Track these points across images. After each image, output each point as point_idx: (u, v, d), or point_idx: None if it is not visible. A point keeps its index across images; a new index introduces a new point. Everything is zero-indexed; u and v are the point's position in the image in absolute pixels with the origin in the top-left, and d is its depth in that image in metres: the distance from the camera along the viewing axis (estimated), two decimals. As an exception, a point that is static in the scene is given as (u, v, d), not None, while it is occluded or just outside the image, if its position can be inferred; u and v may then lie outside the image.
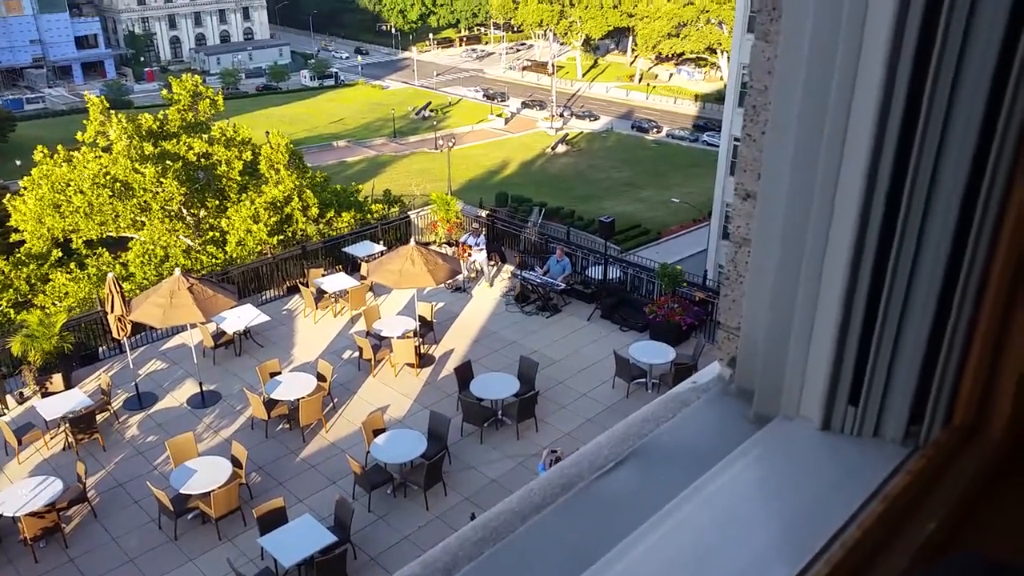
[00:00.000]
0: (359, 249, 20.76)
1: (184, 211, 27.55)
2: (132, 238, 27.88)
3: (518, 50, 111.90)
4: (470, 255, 19.93)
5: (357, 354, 16.51)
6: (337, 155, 69.84)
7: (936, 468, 1.18)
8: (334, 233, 24.33)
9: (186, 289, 14.17)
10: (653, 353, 15.50)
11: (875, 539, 1.06)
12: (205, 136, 28.58)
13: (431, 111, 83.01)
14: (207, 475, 12.27)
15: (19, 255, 27.24)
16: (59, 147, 26.94)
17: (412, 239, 17.16)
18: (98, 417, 14.38)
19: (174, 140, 27.65)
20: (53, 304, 24.71)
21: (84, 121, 27.93)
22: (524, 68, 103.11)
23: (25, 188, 26.85)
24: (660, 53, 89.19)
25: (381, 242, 21.29)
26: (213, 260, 25.63)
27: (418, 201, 28.19)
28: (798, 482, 1.19)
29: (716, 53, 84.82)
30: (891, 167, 1.08)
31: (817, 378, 1.23)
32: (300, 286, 19.10)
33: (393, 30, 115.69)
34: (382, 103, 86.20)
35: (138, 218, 27.02)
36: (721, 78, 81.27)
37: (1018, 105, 1.02)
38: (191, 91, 29.47)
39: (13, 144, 61.73)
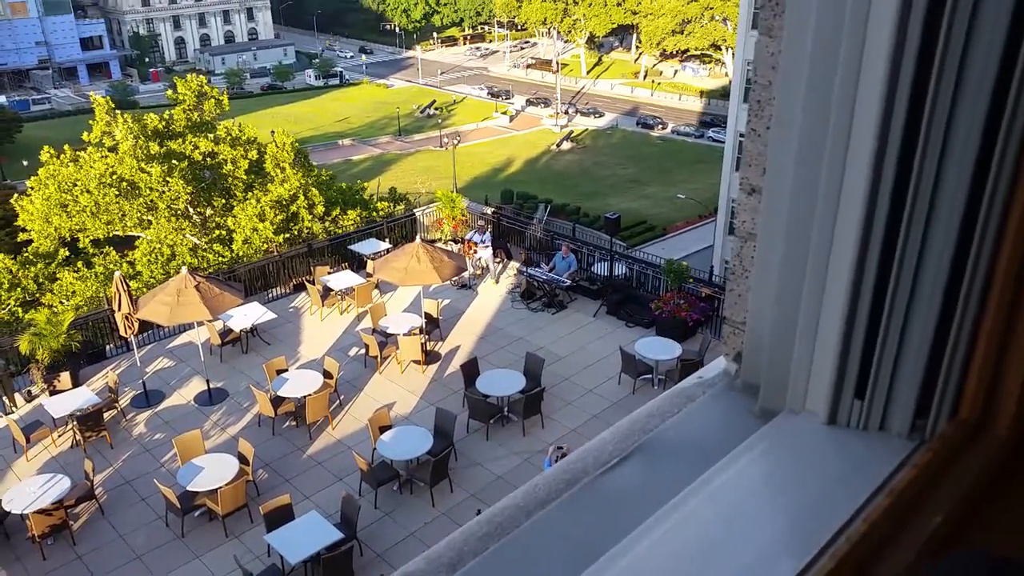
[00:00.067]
0: (365, 247, 20.78)
1: (190, 210, 27.62)
2: (139, 237, 27.97)
3: (522, 48, 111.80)
4: (476, 252, 19.93)
5: (363, 351, 16.53)
6: (342, 154, 69.90)
7: (942, 462, 1.17)
8: (340, 231, 24.37)
9: (193, 287, 14.21)
10: (659, 349, 15.48)
11: (881, 533, 1.06)
12: (211, 135, 28.65)
13: (436, 109, 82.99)
14: (214, 472, 12.30)
15: (27, 254, 27.36)
16: (66, 147, 27.03)
17: (418, 236, 17.19)
18: (105, 415, 14.43)
19: (180, 140, 27.72)
20: (61, 303, 24.83)
21: (90, 121, 28.03)
22: (528, 66, 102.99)
23: (32, 188, 26.97)
24: (664, 50, 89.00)
25: (387, 240, 21.31)
26: (219, 258, 25.71)
27: (423, 199, 28.22)
28: (804, 476, 1.19)
29: (721, 50, 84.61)
30: (896, 161, 1.08)
31: (823, 372, 1.23)
32: (306, 284, 19.13)
33: (397, 29, 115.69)
34: (387, 102, 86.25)
35: (145, 217, 27.10)
36: (726, 74, 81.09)
37: (1023, 99, 1.02)
38: (196, 91, 29.53)
39: (20, 145, 61.97)
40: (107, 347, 17.27)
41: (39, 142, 33.43)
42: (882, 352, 1.19)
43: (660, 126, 76.85)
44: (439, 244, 19.74)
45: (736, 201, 1.51)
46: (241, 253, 24.91)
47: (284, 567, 10.94)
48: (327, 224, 26.03)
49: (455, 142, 58.09)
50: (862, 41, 1.05)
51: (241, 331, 16.96)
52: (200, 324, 15.60)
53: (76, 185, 26.37)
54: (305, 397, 14.19)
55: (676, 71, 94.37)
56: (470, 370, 14.93)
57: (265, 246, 24.21)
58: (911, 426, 1.21)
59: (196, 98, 29.52)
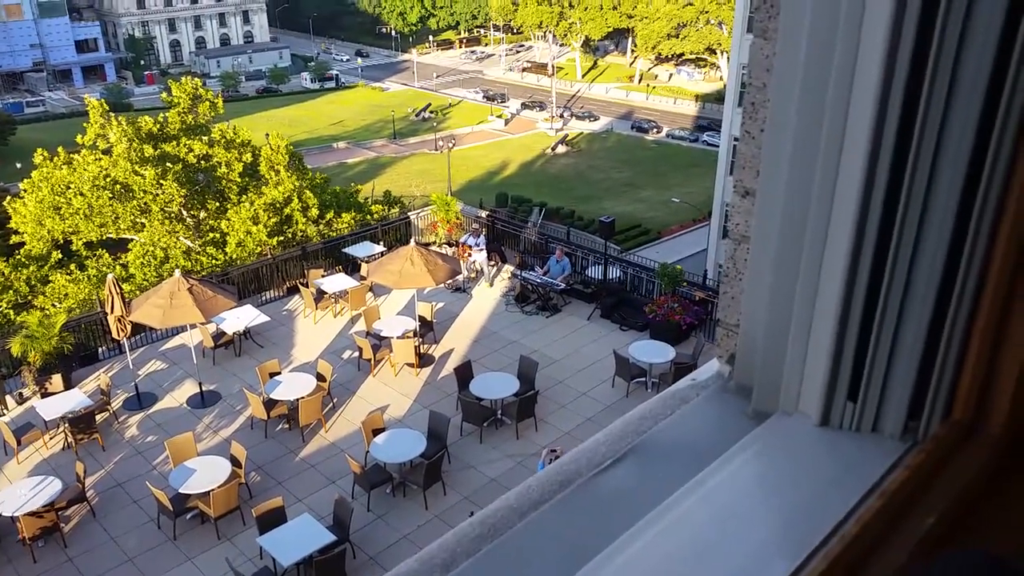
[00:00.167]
0: (359, 250, 20.76)
1: (184, 213, 27.55)
2: (132, 240, 27.88)
3: (518, 51, 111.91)
4: (470, 255, 19.93)
5: (357, 354, 16.51)
6: (337, 157, 69.84)
7: (935, 463, 1.18)
8: (334, 234, 24.33)
9: (186, 290, 14.17)
10: (653, 352, 15.50)
11: (874, 534, 1.06)
12: (205, 138, 28.56)
13: (431, 113, 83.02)
14: (206, 475, 12.26)
15: (19, 257, 27.24)
16: (60, 149, 26.94)
17: (412, 240, 17.16)
18: (97, 417, 14.37)
19: (174, 142, 27.64)
20: (53, 305, 24.70)
21: (84, 124, 27.91)
22: (524, 69, 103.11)
23: (25, 190, 26.85)
24: (660, 54, 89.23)
25: (381, 243, 21.29)
26: (213, 261, 25.62)
27: (418, 202, 28.20)
28: (797, 478, 1.19)
29: (716, 53, 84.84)
30: (889, 163, 1.08)
31: (816, 374, 1.23)
32: (300, 287, 19.10)
33: (393, 32, 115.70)
34: (382, 105, 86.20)
35: (138, 220, 27.03)
36: (721, 78, 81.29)
37: (1016, 101, 1.02)
38: (191, 94, 29.45)
39: (13, 147, 61.75)
40: (99, 349, 17.20)
41: (33, 144, 33.31)
42: (875, 354, 1.19)
43: (655, 130, 76.98)
44: (433, 247, 19.73)
45: (730, 204, 1.51)
46: (234, 256, 24.85)
47: (276, 570, 10.90)
48: (321, 227, 25.99)
49: (450, 145, 58.12)
50: (856, 43, 1.05)
51: (234, 334, 16.92)
52: (193, 327, 15.56)
53: (69, 188, 26.27)
54: (298, 400, 14.16)
55: (671, 75, 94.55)
56: (464, 373, 14.92)
57: (259, 249, 24.16)
58: (904, 427, 1.22)
59: (191, 101, 29.44)
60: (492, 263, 20.15)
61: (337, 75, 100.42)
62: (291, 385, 14.69)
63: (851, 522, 1.06)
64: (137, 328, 15.84)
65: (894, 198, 1.10)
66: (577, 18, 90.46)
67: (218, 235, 26.80)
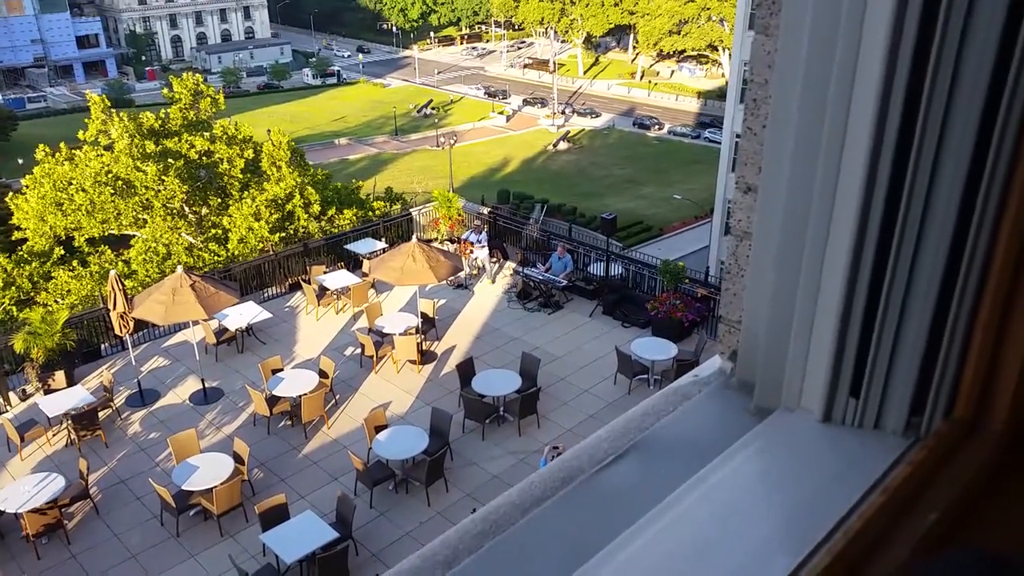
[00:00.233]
0: (361, 246, 20.76)
1: (186, 209, 27.57)
2: (134, 236, 27.91)
3: (519, 48, 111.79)
4: (472, 252, 19.92)
5: (359, 351, 16.52)
6: (339, 153, 69.84)
7: (937, 459, 1.18)
8: (336, 230, 24.34)
9: (188, 286, 14.18)
10: (655, 349, 15.49)
11: (876, 530, 1.06)
12: (207, 134, 28.59)
13: (432, 109, 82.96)
14: (209, 471, 12.28)
15: (22, 253, 27.29)
16: (61, 145, 26.96)
17: (414, 236, 17.17)
18: (100, 414, 14.40)
19: (176, 138, 27.66)
20: (55, 301, 24.77)
21: (86, 120, 27.93)
22: (525, 66, 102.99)
23: (27, 186, 26.88)
24: (661, 50, 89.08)
25: (383, 239, 21.28)
26: (215, 257, 25.66)
27: (420, 198, 28.21)
28: (799, 474, 1.19)
29: (717, 50, 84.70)
30: (892, 159, 1.08)
31: (818, 370, 1.23)
32: (302, 283, 19.11)
33: (394, 28, 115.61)
34: (383, 101, 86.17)
35: (140, 216, 27.05)
36: (723, 75, 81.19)
37: (1018, 95, 1.02)
38: (192, 90, 29.47)
39: (15, 143, 61.79)
40: (102, 346, 17.22)
41: (34, 140, 33.32)
42: (877, 350, 1.19)
43: (657, 126, 76.88)
44: (435, 244, 19.73)
45: (732, 200, 1.51)
46: (237, 252, 24.88)
47: (279, 566, 10.92)
48: (323, 223, 26.01)
49: (451, 142, 58.07)
50: (858, 39, 1.05)
51: (237, 330, 16.93)
52: (195, 323, 15.58)
53: (71, 184, 26.29)
54: (301, 396, 14.17)
55: (673, 71, 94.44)
56: (466, 370, 14.92)
57: (261, 245, 24.18)
58: (906, 424, 1.22)
59: (192, 97, 29.46)
60: (494, 260, 20.14)
61: (339, 71, 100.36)
62: (293, 382, 14.71)
63: (854, 518, 1.06)
64: (140, 324, 15.86)
65: (896, 194, 1.09)
66: (579, 14, 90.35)
67: (220, 231, 26.82)
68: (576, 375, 15.88)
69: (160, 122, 28.27)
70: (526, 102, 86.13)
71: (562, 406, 14.95)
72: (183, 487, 12.02)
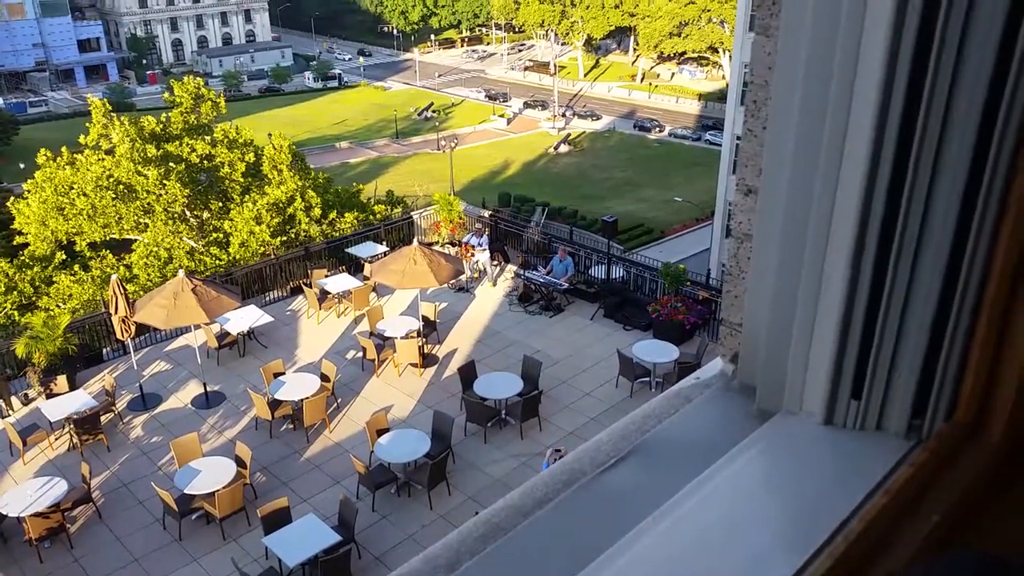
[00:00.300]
0: (362, 250, 20.77)
1: (187, 213, 27.58)
2: (136, 240, 27.93)
3: (520, 50, 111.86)
4: (473, 255, 19.92)
5: (361, 354, 16.51)
6: (340, 156, 69.88)
7: (939, 462, 1.17)
8: (337, 234, 24.34)
9: (190, 290, 14.19)
10: (656, 352, 15.48)
11: (878, 532, 1.06)
12: (208, 138, 28.61)
13: (433, 112, 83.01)
14: (211, 475, 12.27)
15: (23, 258, 27.27)
16: (63, 150, 26.97)
17: (415, 239, 17.17)
18: (102, 418, 14.40)
19: (177, 142, 27.68)
20: (57, 306, 24.76)
21: (87, 124, 27.95)
22: (526, 68, 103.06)
23: (29, 191, 26.90)
24: (662, 52, 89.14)
25: (384, 243, 21.29)
26: (216, 261, 25.66)
27: (421, 202, 28.21)
28: (801, 476, 1.19)
29: (718, 52, 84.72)
30: (892, 161, 1.08)
31: (820, 373, 1.23)
32: (303, 287, 19.11)
33: (395, 31, 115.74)
34: (384, 104, 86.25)
35: (141, 220, 27.06)
36: (723, 77, 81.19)
37: (1018, 97, 1.02)
38: (193, 93, 29.50)
39: (16, 147, 61.87)
40: (104, 350, 17.23)
41: (36, 144, 33.36)
42: (878, 352, 1.19)
43: (657, 129, 76.92)
44: (436, 247, 19.73)
45: (733, 203, 1.51)
46: (238, 256, 24.88)
47: (282, 570, 10.92)
48: (324, 227, 26.01)
49: (452, 145, 58.07)
50: (858, 40, 1.05)
51: (238, 334, 16.94)
52: (197, 327, 15.58)
53: (73, 188, 26.31)
54: (302, 400, 14.18)
55: (673, 74, 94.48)
56: (467, 373, 14.92)
57: (262, 249, 24.19)
58: (908, 426, 1.22)
59: (193, 100, 29.49)
60: (495, 263, 20.15)
61: (340, 74, 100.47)
62: (295, 385, 14.71)
63: (856, 520, 1.06)
64: (141, 329, 15.86)
65: (896, 196, 1.09)
66: (579, 17, 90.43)
67: (221, 235, 26.84)
68: (578, 378, 15.87)
69: (161, 126, 28.30)
70: (527, 105, 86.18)
71: (564, 409, 14.94)
72: (185, 491, 12.02)
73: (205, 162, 27.72)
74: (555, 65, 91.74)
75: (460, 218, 21.85)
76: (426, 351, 16.64)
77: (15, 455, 13.88)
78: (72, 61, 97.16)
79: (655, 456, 1.28)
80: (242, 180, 27.55)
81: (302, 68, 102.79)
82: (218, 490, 11.84)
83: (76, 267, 27.11)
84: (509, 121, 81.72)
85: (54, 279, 26.57)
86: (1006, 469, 1.21)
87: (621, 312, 17.99)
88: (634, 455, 1.27)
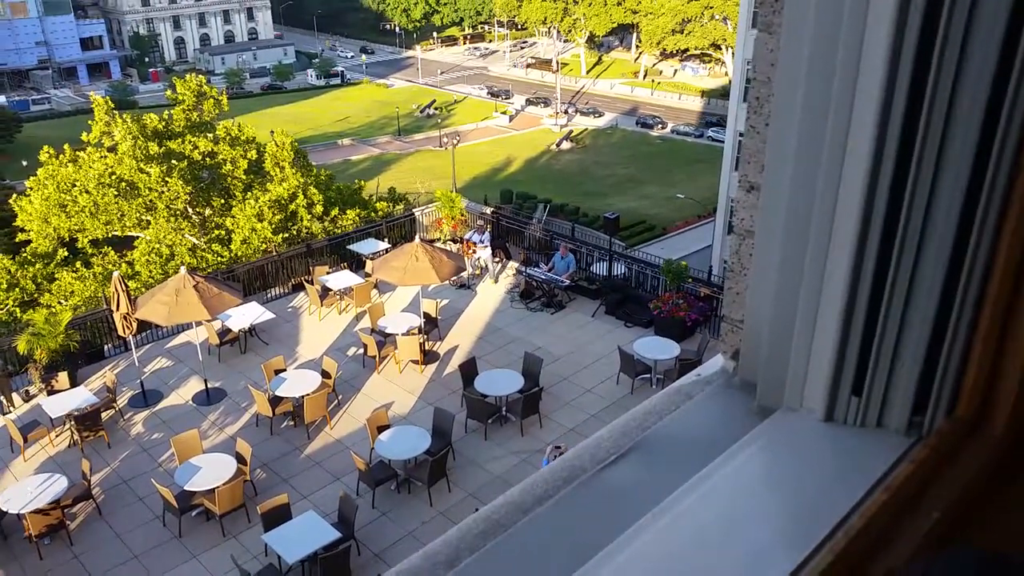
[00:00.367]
0: (364, 247, 20.78)
1: (189, 210, 27.61)
2: (138, 237, 27.96)
3: (522, 47, 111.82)
4: (475, 252, 19.93)
5: (362, 351, 16.53)
6: (342, 154, 69.89)
7: (940, 458, 1.17)
8: (339, 231, 24.37)
9: (191, 287, 14.20)
10: (658, 349, 15.49)
11: (879, 528, 1.06)
12: (210, 135, 28.64)
13: (435, 109, 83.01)
14: (212, 472, 12.29)
15: (25, 254, 27.34)
16: (65, 147, 27.00)
17: (417, 236, 17.17)
18: (103, 415, 14.42)
19: (179, 140, 27.71)
20: (59, 303, 24.82)
21: (89, 122, 28.00)
22: (528, 65, 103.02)
23: (31, 188, 26.95)
24: (664, 49, 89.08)
25: (386, 239, 21.30)
26: (218, 258, 25.70)
27: (423, 198, 28.25)
28: (801, 472, 1.19)
29: (721, 49, 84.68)
30: (895, 157, 1.08)
31: (820, 369, 1.23)
32: (305, 284, 19.12)
33: (397, 29, 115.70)
34: (386, 101, 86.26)
35: (144, 217, 27.09)
36: (726, 74, 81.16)
37: (1021, 94, 1.01)
38: (195, 91, 29.52)
39: (19, 145, 61.96)
40: (105, 347, 17.25)
41: (39, 142, 33.41)
42: (879, 349, 1.18)
43: (660, 126, 76.89)
44: (438, 244, 19.74)
45: (735, 199, 1.51)
46: (240, 253, 24.91)
47: (281, 567, 10.93)
48: (326, 224, 26.03)
49: (455, 142, 58.05)
50: (861, 37, 1.04)
51: (239, 331, 16.95)
52: (198, 324, 15.59)
53: (75, 185, 26.34)
54: (303, 397, 14.19)
55: (676, 70, 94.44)
56: (468, 370, 14.93)
57: (264, 246, 24.21)
58: (908, 423, 1.21)
59: (195, 98, 29.51)
60: (497, 260, 20.15)
61: (343, 72, 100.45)
62: (296, 382, 14.72)
63: (856, 516, 1.06)
64: (143, 325, 15.88)
65: (899, 192, 1.09)
66: (581, 14, 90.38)
67: (223, 232, 26.87)
68: (578, 375, 15.88)
69: (163, 123, 28.32)
70: (529, 102, 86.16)
71: (564, 406, 14.95)
72: (185, 487, 12.04)
73: (207, 159, 27.75)
74: (557, 62, 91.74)
75: (462, 215, 21.86)
76: (427, 348, 16.65)
77: (16, 451, 13.90)
78: (75, 59, 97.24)
79: (656, 453, 1.28)
80: (244, 177, 27.58)
81: (304, 66, 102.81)
82: (218, 487, 11.85)
83: (78, 264, 27.16)
84: (511, 118, 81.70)
85: (56, 276, 26.62)
86: (1009, 462, 1.21)
87: (622, 309, 17.99)
88: (635, 452, 1.27)
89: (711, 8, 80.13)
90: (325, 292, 18.55)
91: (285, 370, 15.34)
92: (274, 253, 21.20)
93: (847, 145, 1.11)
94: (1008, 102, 1.02)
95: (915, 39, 1.01)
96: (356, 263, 20.51)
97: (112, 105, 28.05)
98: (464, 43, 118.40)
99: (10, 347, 15.90)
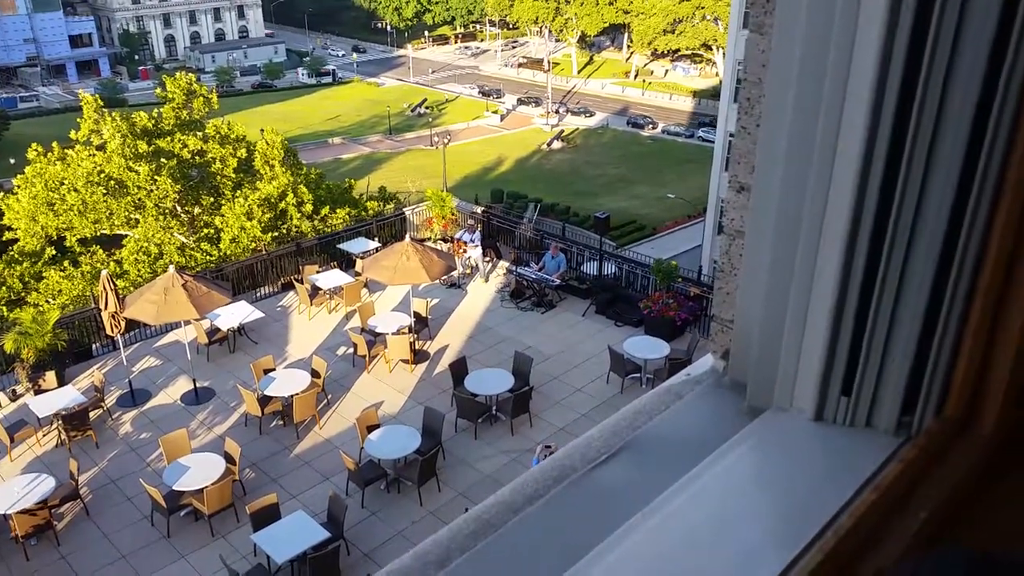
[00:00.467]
0: (354, 246, 20.74)
1: (178, 208, 27.49)
2: (126, 236, 27.82)
3: (513, 47, 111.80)
4: (465, 251, 19.92)
5: (351, 350, 16.49)
6: (332, 152, 69.71)
7: (928, 458, 1.18)
8: (329, 230, 24.31)
9: (180, 286, 14.14)
10: (648, 348, 15.51)
11: (868, 528, 1.06)
12: (199, 134, 28.51)
13: (426, 108, 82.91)
14: (200, 472, 12.24)
15: (12, 253, 27.16)
16: (54, 145, 26.83)
17: (407, 235, 17.16)
18: (91, 414, 14.34)
19: (168, 138, 27.58)
20: (47, 301, 24.65)
21: (78, 119, 27.83)
22: (519, 65, 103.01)
23: (19, 186, 26.74)
24: (656, 50, 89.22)
25: (376, 239, 21.27)
26: (207, 257, 25.59)
27: (413, 198, 28.19)
28: (791, 472, 1.19)
29: (712, 49, 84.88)
30: (885, 158, 1.08)
31: (810, 369, 1.23)
32: (295, 283, 19.07)
33: (388, 27, 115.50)
34: (378, 100, 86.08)
35: (132, 216, 26.95)
36: (717, 74, 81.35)
37: (1010, 96, 1.02)
38: (185, 89, 29.39)
39: (7, 142, 61.51)
40: (93, 346, 17.16)
41: (26, 140, 33.18)
42: (869, 349, 1.19)
43: (650, 126, 77.01)
44: (428, 243, 19.71)
45: (725, 199, 1.51)
46: (229, 252, 24.81)
47: (270, 567, 10.90)
48: (316, 223, 25.97)
49: (445, 141, 58.00)
50: (852, 37, 1.05)
51: (228, 330, 16.89)
52: (187, 323, 15.52)
53: (63, 183, 26.17)
54: (292, 396, 14.15)
55: (667, 71, 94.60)
56: (459, 369, 14.92)
57: (253, 245, 24.12)
58: (897, 422, 1.22)
59: (185, 96, 29.38)
60: (487, 259, 20.15)
61: (334, 70, 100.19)
62: (285, 381, 14.68)
63: (845, 516, 1.06)
64: (131, 324, 15.80)
65: (889, 192, 1.09)
66: (573, 13, 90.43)
67: (212, 231, 26.76)
68: (569, 374, 15.89)
69: (153, 122, 28.18)
70: (520, 101, 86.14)
71: (555, 405, 14.96)
72: (174, 487, 11.99)
73: (197, 158, 27.63)
74: (549, 62, 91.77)
75: (452, 214, 21.84)
76: (417, 347, 16.63)
77: (2, 451, 13.81)
78: (64, 56, 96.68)
79: (646, 452, 1.28)
80: (233, 176, 27.48)
81: (295, 64, 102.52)
82: (207, 486, 11.81)
83: (66, 263, 27.01)
84: (502, 117, 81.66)
85: (44, 275, 26.47)
86: (998, 459, 1.22)
87: (613, 308, 18.02)
88: (625, 451, 1.27)
89: (702, 8, 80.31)
90: (315, 291, 18.51)
91: (274, 369, 15.30)
92: (263, 252, 21.13)
93: (838, 146, 1.11)
94: (997, 105, 1.02)
95: (906, 40, 1.01)
96: (346, 262, 20.47)
97: (101, 103, 27.90)
98: (455, 42, 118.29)
99: (-3, 346, 15.80)
